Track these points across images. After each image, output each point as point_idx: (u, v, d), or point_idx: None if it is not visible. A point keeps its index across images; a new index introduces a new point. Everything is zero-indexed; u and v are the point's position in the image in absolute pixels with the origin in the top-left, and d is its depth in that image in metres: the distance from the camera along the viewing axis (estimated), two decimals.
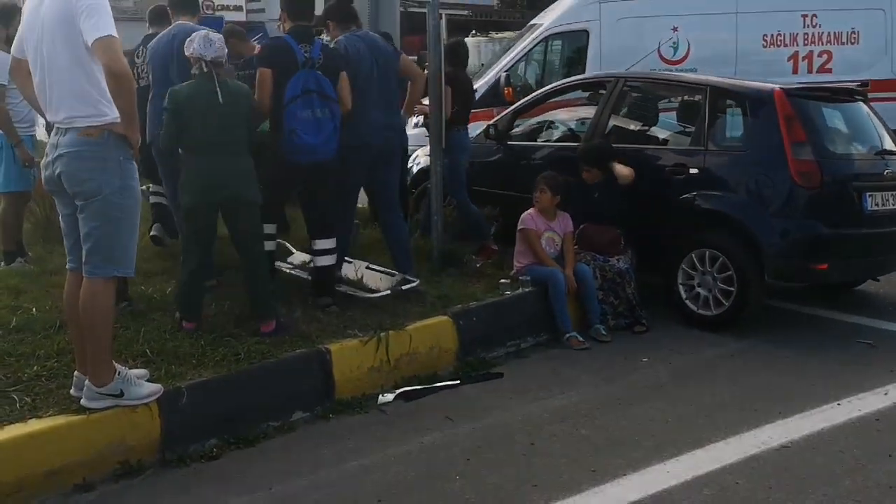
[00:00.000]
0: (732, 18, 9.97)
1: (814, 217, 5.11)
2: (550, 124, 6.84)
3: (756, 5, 9.92)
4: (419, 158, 7.32)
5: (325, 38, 5.51)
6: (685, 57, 10.06)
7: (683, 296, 5.48)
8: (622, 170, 5.56)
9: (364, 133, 5.10)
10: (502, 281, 5.36)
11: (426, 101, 6.07)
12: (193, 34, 4.48)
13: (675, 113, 6.30)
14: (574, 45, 10.35)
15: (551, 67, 10.78)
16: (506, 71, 9.86)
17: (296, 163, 4.70)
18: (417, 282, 5.29)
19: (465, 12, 42.21)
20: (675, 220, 5.52)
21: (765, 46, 10.07)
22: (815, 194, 5.08)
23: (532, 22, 11.12)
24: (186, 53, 4.44)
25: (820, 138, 5.19)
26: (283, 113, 4.62)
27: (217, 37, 4.46)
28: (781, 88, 5.28)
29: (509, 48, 10.77)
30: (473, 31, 29.67)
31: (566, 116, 6.89)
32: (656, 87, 6.40)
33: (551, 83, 10.14)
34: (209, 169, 4.38)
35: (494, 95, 9.57)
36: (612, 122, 6.13)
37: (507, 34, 29.30)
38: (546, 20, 10.53)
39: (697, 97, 5.76)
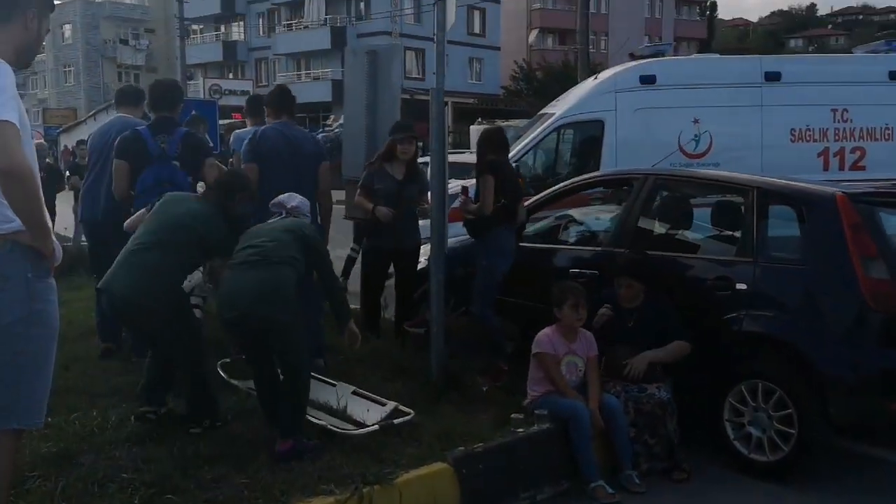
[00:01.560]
0: (758, 112, 9.35)
1: (892, 345, 4.24)
2: (569, 224, 6.04)
3: (783, 98, 9.32)
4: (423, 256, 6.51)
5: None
6: (707, 150, 9.41)
7: (731, 435, 4.56)
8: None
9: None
10: (514, 415, 4.45)
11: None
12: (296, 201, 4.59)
13: (712, 216, 5.50)
14: (588, 135, 9.72)
15: (563, 158, 10.15)
16: (515, 161, 9.17)
17: None
18: (412, 415, 4.43)
19: (472, 100, 42.41)
20: (718, 345, 4.65)
21: (793, 141, 9.43)
22: (894, 319, 4.22)
23: (543, 111, 10.53)
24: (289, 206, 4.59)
25: (894, 252, 4.37)
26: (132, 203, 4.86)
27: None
28: (844, 193, 4.49)
29: (518, 137, 10.13)
30: (479, 119, 29.62)
31: (587, 216, 6.10)
32: (692, 185, 5.62)
33: (563, 174, 9.67)
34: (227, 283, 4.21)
35: None
36: (641, 224, 5.34)
37: (514, 122, 29.24)
38: (558, 109, 9.94)
39: (743, 199, 4.97)
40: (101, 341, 5.81)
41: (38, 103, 62.18)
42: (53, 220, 10.45)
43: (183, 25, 36.36)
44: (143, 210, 4.48)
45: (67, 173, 12.93)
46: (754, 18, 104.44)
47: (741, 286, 4.61)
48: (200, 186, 5.26)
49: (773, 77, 9.36)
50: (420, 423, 4.42)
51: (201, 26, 51.06)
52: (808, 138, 9.40)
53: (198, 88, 40.23)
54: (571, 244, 5.89)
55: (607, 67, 25.70)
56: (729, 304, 4.63)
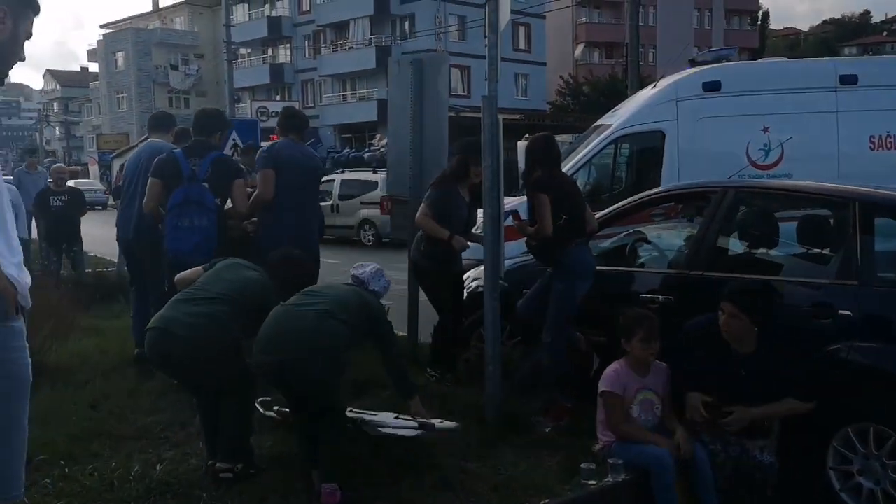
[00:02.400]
0: (832, 118, 8.64)
1: None
2: (637, 243, 5.47)
3: (860, 102, 8.59)
4: (471, 280, 6.02)
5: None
6: (778, 161, 8.73)
7: (837, 486, 3.93)
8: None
9: (283, 231, 5.38)
10: (584, 465, 3.89)
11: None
12: (368, 269, 4.26)
13: (799, 233, 4.88)
14: (647, 147, 9.11)
15: (621, 173, 9.56)
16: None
17: (174, 262, 5.00)
18: (456, 425, 4.21)
19: (518, 116, 42.01)
20: (819, 380, 4.02)
21: (872, 149, 8.69)
22: None
23: (598, 122, 9.96)
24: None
25: None
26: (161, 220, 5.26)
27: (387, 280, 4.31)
28: None
29: (573, 150, 9.57)
30: (526, 135, 29.13)
31: (657, 234, 5.53)
32: (778, 199, 5.00)
33: (620, 190, 9.08)
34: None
35: None
36: (720, 243, 4.75)
37: (562, 137, 28.65)
38: (615, 120, 9.36)
39: (839, 213, 4.36)
40: (137, 346, 5.88)
41: (93, 129, 63.67)
42: (80, 243, 10.28)
43: (230, 50, 36.55)
44: (199, 268, 4.31)
45: (111, 198, 12.78)
46: (805, 27, 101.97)
47: (845, 312, 4.00)
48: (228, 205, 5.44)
49: (848, 80, 8.65)
50: (475, 472, 3.90)
51: (249, 50, 51.58)
52: (889, 146, 8.65)
53: (245, 111, 40.52)
54: (641, 266, 5.32)
55: (655, 80, 25.03)
56: (830, 334, 4.00)
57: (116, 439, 4.46)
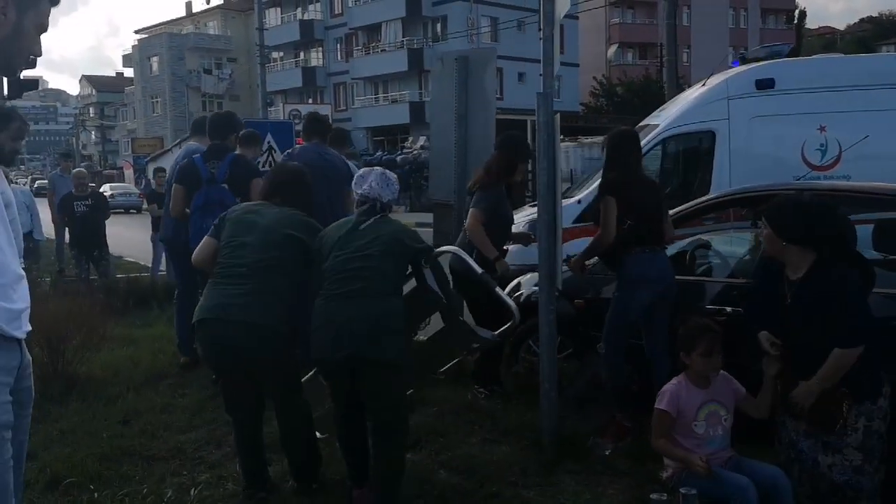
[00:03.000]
0: (894, 116, 8.17)
1: None
2: (700, 250, 5.11)
3: None
4: (522, 287, 5.69)
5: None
6: (835, 161, 8.26)
7: None
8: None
9: None
10: (654, 496, 3.53)
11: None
12: (371, 179, 3.78)
13: (876, 238, 4.50)
14: (697, 147, 8.71)
15: (669, 174, 9.16)
16: None
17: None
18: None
19: None
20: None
21: None
22: None
23: (644, 122, 9.56)
24: (358, 192, 3.76)
25: None
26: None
27: (394, 176, 3.89)
28: None
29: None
30: (561, 137, 28.76)
31: (723, 240, 5.17)
32: (857, 203, 4.62)
33: (669, 192, 8.69)
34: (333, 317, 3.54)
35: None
36: None
37: (596, 139, 28.21)
38: (662, 120, 8.95)
39: None
40: (182, 355, 5.99)
41: (128, 133, 64.36)
42: (106, 248, 10.13)
43: (263, 53, 36.63)
44: (210, 241, 3.88)
45: (145, 201, 12.67)
46: (841, 26, 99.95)
47: None
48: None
49: None
50: (535, 502, 3.58)
51: (281, 53, 51.74)
52: None
53: (278, 114, 40.56)
54: (704, 274, 4.96)
55: (690, 80, 24.32)
56: None
57: (148, 460, 4.22)
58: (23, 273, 2.20)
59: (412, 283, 3.81)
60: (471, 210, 5.10)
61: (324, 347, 3.50)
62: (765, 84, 8.38)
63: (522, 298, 5.70)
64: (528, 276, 5.81)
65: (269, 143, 9.73)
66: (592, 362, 4.89)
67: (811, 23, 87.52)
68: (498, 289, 4.21)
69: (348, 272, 3.53)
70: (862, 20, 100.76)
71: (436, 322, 4.14)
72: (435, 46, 43.47)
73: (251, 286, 3.61)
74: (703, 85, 8.99)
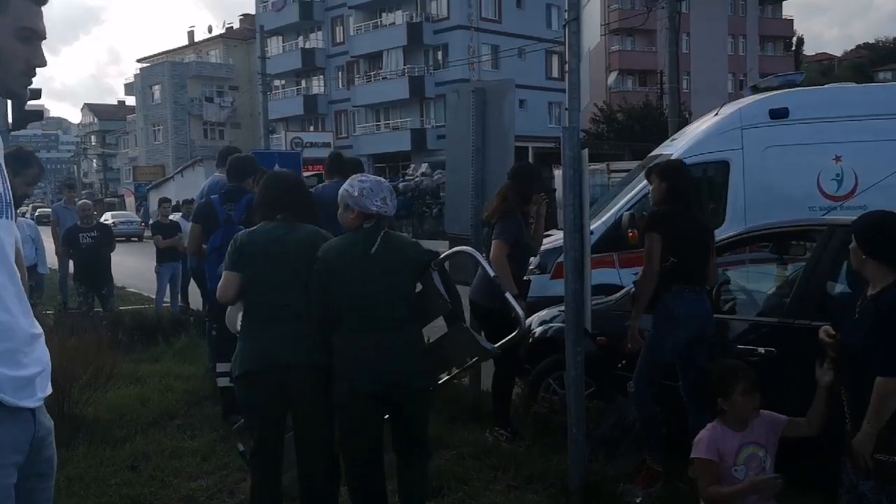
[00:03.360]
0: None
1: None
2: (725, 287, 4.97)
3: None
4: (535, 324, 5.54)
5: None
6: (852, 192, 8.15)
7: None
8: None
9: None
10: None
11: None
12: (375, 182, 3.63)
13: None
14: (711, 178, 8.60)
15: None
16: (628, 209, 8.15)
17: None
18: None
19: (551, 144, 41.62)
20: None
21: None
22: None
23: (655, 152, 9.47)
24: (373, 208, 3.52)
25: None
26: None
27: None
28: None
29: (629, 182, 9.09)
30: (554, 166, 28.66)
31: (749, 277, 5.03)
32: None
33: None
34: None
35: (615, 238, 7.93)
36: (829, 287, 4.24)
37: (597, 165, 28.14)
38: (674, 150, 8.84)
39: None
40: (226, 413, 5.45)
41: (129, 161, 64.49)
42: (111, 281, 9.93)
43: (265, 81, 36.76)
44: (231, 276, 3.67)
45: (149, 232, 12.54)
46: (837, 53, 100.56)
47: None
48: None
49: None
50: None
51: (283, 81, 51.95)
52: None
53: (280, 142, 40.64)
54: (730, 312, 4.81)
55: (690, 106, 24.22)
56: None
57: None
58: (38, 331, 1.96)
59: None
60: (494, 241, 4.98)
61: (363, 383, 3.39)
62: (779, 113, 8.30)
63: (538, 335, 5.57)
64: (545, 311, 5.67)
65: None
66: (619, 403, 4.73)
67: (808, 49, 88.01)
68: (508, 294, 4.04)
69: (370, 300, 3.41)
70: (858, 46, 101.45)
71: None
72: (436, 74, 43.69)
73: (299, 326, 3.49)
74: (716, 114, 8.91)
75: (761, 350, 4.25)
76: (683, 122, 23.71)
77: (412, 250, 3.58)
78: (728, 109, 8.81)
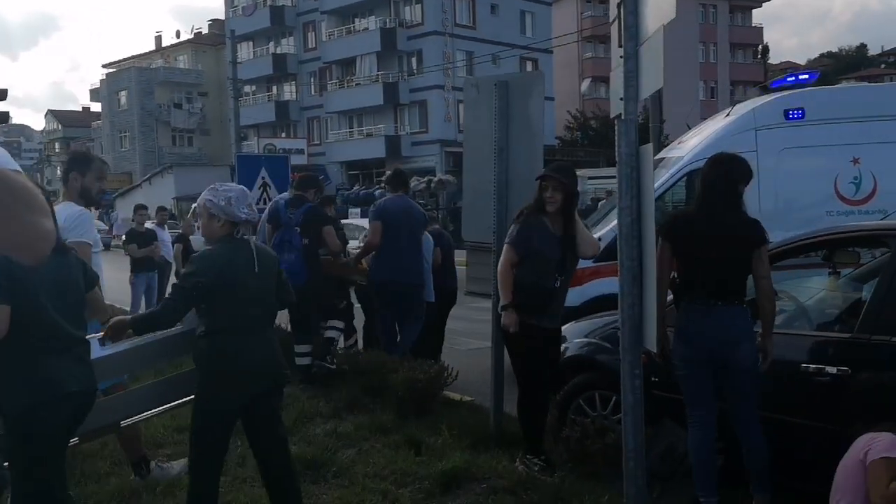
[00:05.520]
0: None
1: None
2: (779, 300, 4.52)
3: None
4: (569, 344, 5.06)
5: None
6: (871, 195, 7.82)
7: None
8: None
9: (388, 269, 6.77)
10: None
11: None
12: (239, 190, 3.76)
13: None
14: None
15: None
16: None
17: None
18: None
19: None
20: None
21: None
22: None
23: (662, 154, 9.07)
24: (242, 216, 3.61)
25: None
26: None
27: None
28: None
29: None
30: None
31: (808, 289, 4.59)
32: None
33: None
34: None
35: None
36: None
37: (580, 172, 27.89)
38: (686, 152, 8.46)
39: None
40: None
41: None
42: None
43: (236, 87, 36.00)
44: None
45: (124, 238, 11.84)
46: (802, 61, 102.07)
47: None
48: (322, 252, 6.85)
49: None
50: None
51: (254, 87, 51.08)
52: None
53: (252, 148, 39.86)
54: (794, 329, 4.36)
55: (662, 114, 23.97)
56: None
57: None
58: None
59: None
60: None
61: (248, 382, 3.48)
62: (794, 114, 7.95)
63: (568, 353, 5.11)
64: (584, 322, 5.21)
65: (262, 178, 9.14)
66: (668, 429, 4.26)
67: (772, 58, 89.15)
68: None
69: (255, 304, 3.53)
70: (822, 55, 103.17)
71: None
72: (410, 80, 43.20)
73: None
74: (728, 115, 8.55)
75: (833, 370, 3.80)
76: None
77: (277, 263, 3.82)
78: (741, 109, 8.44)
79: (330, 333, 6.94)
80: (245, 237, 3.62)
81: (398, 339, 6.90)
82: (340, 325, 7.14)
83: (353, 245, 10.44)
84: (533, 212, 4.58)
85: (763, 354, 3.87)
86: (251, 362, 3.46)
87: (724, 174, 4.00)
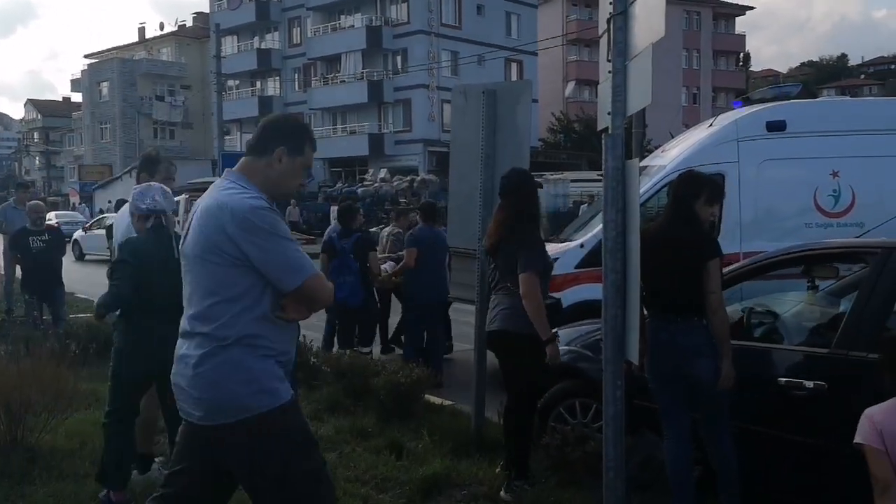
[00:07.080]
0: None
1: None
2: (757, 313, 4.59)
3: None
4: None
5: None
6: (849, 208, 7.92)
7: None
8: None
9: (421, 287, 7.95)
10: None
11: None
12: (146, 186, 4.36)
13: None
14: None
15: None
16: None
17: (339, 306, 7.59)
18: None
19: None
20: None
21: None
22: None
23: (645, 163, 9.14)
24: (143, 207, 4.20)
25: None
26: None
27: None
28: None
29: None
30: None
31: (785, 303, 4.66)
32: None
33: None
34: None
35: None
36: (888, 318, 3.88)
37: (563, 175, 28.00)
38: (667, 161, 8.53)
39: None
40: None
41: (75, 160, 62.41)
42: (62, 289, 9.28)
43: (220, 81, 35.79)
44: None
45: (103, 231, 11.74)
46: (783, 69, 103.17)
47: None
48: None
49: None
50: None
51: (237, 82, 50.81)
52: None
53: (234, 143, 39.66)
54: (763, 340, 4.43)
55: (645, 119, 24.01)
56: None
57: None
58: None
59: None
60: (525, 275, 4.33)
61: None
62: (776, 126, 8.04)
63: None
64: (566, 329, 5.24)
65: None
66: (647, 440, 4.32)
67: (754, 65, 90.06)
68: None
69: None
70: (803, 64, 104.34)
71: None
72: (395, 79, 43.17)
73: None
74: (711, 125, 8.63)
75: (810, 384, 3.87)
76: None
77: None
78: (724, 120, 8.52)
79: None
80: (163, 225, 4.20)
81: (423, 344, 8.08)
82: (368, 350, 8.05)
83: None
84: (535, 228, 4.60)
85: (722, 370, 3.91)
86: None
87: (677, 190, 4.12)
